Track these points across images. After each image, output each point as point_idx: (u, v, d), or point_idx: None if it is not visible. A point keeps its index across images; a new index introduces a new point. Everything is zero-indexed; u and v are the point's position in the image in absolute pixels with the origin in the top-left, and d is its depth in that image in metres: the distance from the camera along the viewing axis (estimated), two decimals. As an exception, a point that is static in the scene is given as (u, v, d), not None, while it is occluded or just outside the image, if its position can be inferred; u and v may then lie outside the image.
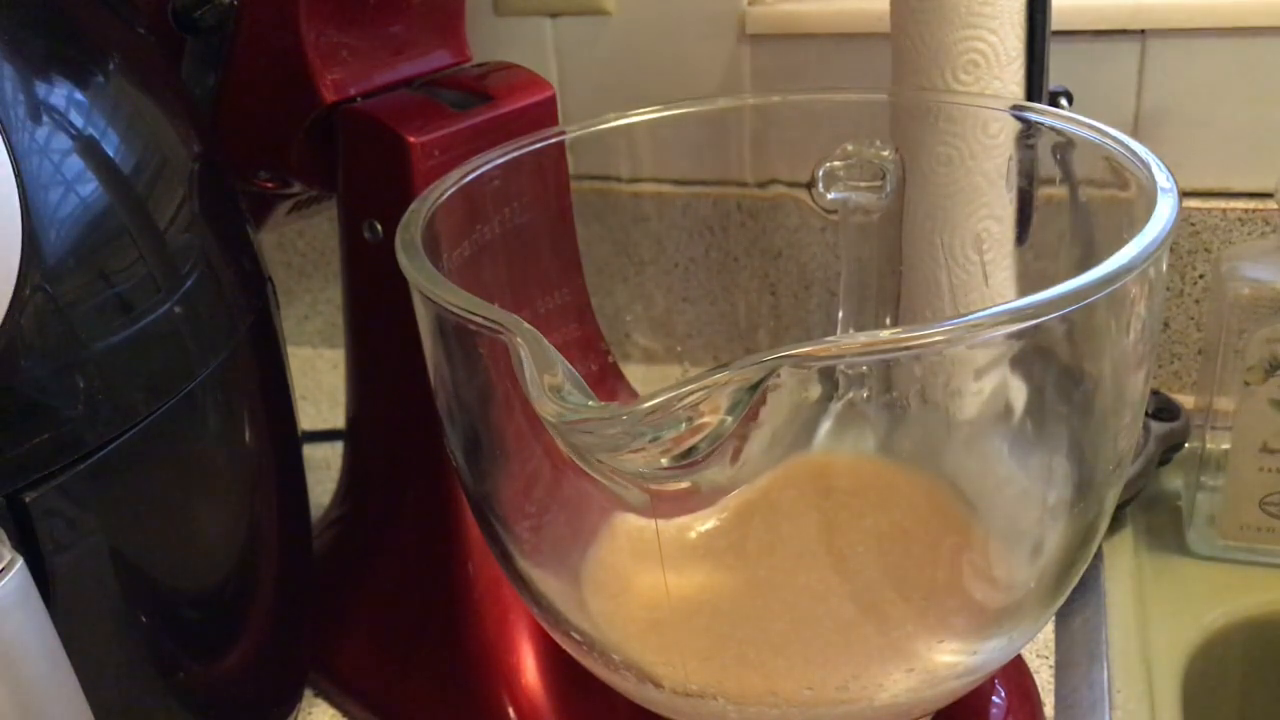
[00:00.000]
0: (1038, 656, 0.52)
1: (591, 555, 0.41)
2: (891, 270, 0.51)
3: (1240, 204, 0.65)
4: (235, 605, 0.44)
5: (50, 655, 0.32)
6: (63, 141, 0.34)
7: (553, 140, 0.44)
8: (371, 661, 0.52)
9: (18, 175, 0.32)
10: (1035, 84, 0.50)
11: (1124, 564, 0.59)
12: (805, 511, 0.40)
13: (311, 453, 0.63)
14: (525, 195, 0.44)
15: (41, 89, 0.34)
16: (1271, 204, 0.64)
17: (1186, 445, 0.63)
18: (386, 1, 0.47)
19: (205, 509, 0.41)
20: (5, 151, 0.32)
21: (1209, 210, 0.66)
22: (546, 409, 0.27)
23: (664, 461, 0.27)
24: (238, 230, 0.44)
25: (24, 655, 0.31)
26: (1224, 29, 0.62)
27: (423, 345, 0.37)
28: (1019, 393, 0.34)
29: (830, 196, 0.48)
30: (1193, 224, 0.66)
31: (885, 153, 0.47)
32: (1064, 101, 0.56)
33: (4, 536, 0.32)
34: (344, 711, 0.53)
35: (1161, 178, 0.34)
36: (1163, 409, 0.63)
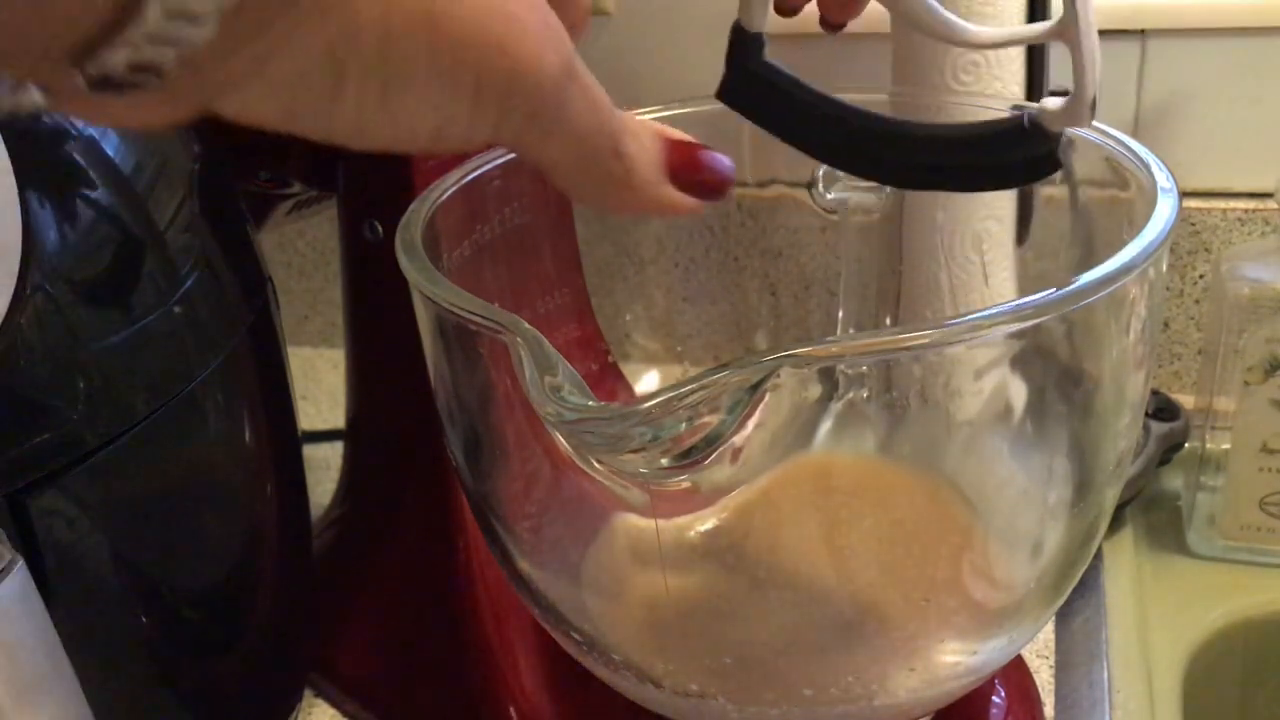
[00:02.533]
0: (1038, 656, 0.52)
1: (591, 555, 0.41)
2: (891, 270, 0.51)
3: (1240, 204, 0.65)
4: (235, 605, 0.44)
5: (50, 655, 0.32)
6: (63, 141, 0.34)
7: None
8: (371, 662, 0.52)
9: (18, 175, 0.32)
10: (1035, 84, 0.50)
11: (1124, 564, 0.59)
12: (805, 511, 0.40)
13: (311, 453, 0.63)
14: (525, 195, 0.44)
15: (41, 89, 0.34)
16: (1271, 204, 0.64)
17: (1186, 445, 0.63)
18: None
19: (205, 509, 0.41)
20: (5, 151, 0.32)
21: (1209, 210, 0.66)
22: (546, 409, 0.27)
23: (664, 461, 0.27)
24: (238, 230, 0.44)
25: (24, 655, 0.31)
26: (1224, 29, 0.62)
27: (423, 345, 0.37)
28: (1019, 393, 0.34)
29: (830, 196, 0.48)
30: (1193, 224, 0.66)
31: (886, 152, 0.47)
32: (1064, 101, 0.56)
33: (4, 536, 0.32)
34: (344, 711, 0.53)
35: (1161, 178, 0.34)
36: (1163, 409, 0.63)
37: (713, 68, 0.38)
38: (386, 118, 0.19)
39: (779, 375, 0.27)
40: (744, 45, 0.37)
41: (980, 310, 0.28)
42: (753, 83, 0.37)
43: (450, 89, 0.19)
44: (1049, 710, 0.50)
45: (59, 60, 0.16)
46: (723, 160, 0.25)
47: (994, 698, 0.47)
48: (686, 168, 0.24)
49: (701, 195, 0.24)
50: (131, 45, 0.16)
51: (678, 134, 0.25)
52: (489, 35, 0.19)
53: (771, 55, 0.36)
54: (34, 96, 0.17)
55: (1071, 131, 0.40)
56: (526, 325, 0.29)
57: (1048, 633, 0.54)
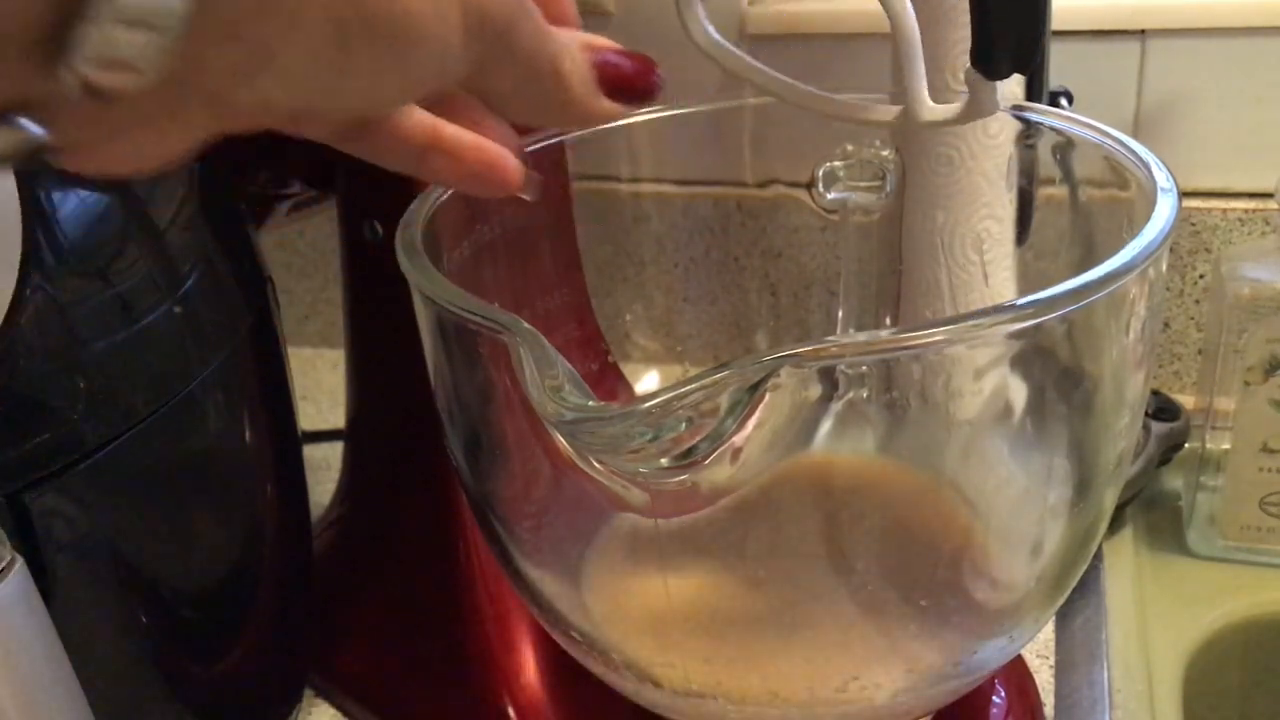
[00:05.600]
0: (1038, 656, 0.52)
1: (591, 555, 0.41)
2: (891, 270, 0.51)
3: (1240, 204, 0.65)
4: (235, 605, 0.44)
5: (50, 655, 0.32)
6: (63, 141, 0.34)
7: (553, 140, 0.44)
8: (372, 661, 0.52)
9: (18, 175, 0.32)
10: (1035, 84, 0.50)
11: (1124, 564, 0.59)
12: (805, 511, 0.40)
13: (311, 453, 0.63)
14: (525, 195, 0.44)
15: (41, 89, 0.34)
16: (1271, 204, 0.64)
17: (1186, 445, 0.63)
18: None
19: (205, 509, 0.41)
20: (5, 151, 0.32)
21: (1209, 210, 0.66)
22: (546, 409, 0.27)
23: (664, 461, 0.27)
24: (238, 230, 0.44)
25: (24, 655, 0.31)
26: (1224, 29, 0.62)
27: (423, 345, 0.37)
28: (1019, 393, 0.34)
29: (830, 196, 0.48)
30: (1193, 224, 0.66)
31: (885, 153, 0.47)
32: (1064, 101, 0.56)
33: (4, 536, 0.32)
34: (344, 711, 0.53)
35: (1161, 178, 0.34)
36: (1163, 409, 0.63)
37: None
38: (396, 74, 0.21)
39: (779, 375, 0.27)
40: None
41: (980, 310, 0.28)
42: None
43: (442, 25, 0.21)
44: (1049, 710, 0.50)
45: (32, 53, 0.16)
46: (646, 68, 0.27)
47: (994, 698, 0.47)
48: (615, 81, 0.26)
49: (631, 103, 0.27)
50: (99, 25, 0.16)
51: (605, 43, 0.27)
52: None
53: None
54: (28, 130, 0.17)
55: (1071, 131, 0.41)
56: (526, 325, 0.29)
57: (1048, 633, 0.54)
